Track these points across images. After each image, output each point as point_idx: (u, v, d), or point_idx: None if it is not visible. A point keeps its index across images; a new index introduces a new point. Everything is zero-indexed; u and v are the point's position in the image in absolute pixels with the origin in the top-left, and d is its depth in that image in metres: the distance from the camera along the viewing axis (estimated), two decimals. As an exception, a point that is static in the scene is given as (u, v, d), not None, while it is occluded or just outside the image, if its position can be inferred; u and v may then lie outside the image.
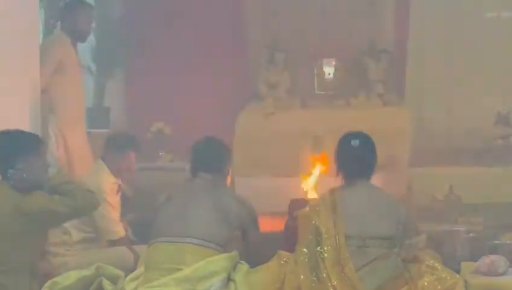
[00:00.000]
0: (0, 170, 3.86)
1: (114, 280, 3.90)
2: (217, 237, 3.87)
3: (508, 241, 4.91)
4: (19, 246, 3.81)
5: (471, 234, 5.17)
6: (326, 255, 3.73)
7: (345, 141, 3.96)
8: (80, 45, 5.83)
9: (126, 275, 3.99)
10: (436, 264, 3.81)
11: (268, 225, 5.35)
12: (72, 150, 5.36)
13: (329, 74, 7.06)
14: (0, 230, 3.78)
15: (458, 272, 4.10)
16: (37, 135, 4.07)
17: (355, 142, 3.91)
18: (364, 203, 3.86)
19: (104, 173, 4.86)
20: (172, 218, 3.92)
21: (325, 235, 3.76)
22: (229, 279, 3.84)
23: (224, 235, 3.91)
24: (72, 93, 5.43)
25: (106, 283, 3.85)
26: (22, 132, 3.93)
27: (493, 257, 4.29)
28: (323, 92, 7.05)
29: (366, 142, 3.96)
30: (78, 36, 5.55)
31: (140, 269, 3.98)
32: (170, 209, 3.97)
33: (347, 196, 3.88)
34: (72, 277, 3.83)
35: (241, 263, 3.93)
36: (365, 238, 3.77)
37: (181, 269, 3.76)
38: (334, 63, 7.05)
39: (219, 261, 3.81)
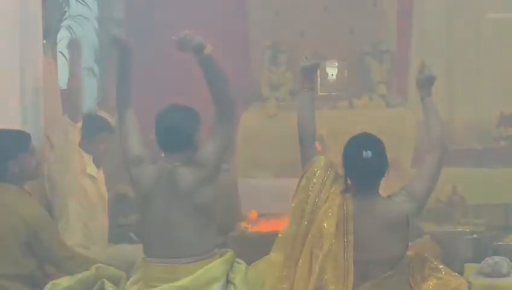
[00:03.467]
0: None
1: (115, 281, 3.88)
2: (203, 244, 3.77)
3: (511, 243, 4.91)
4: (24, 254, 3.85)
5: (474, 235, 5.16)
6: (331, 287, 3.48)
7: (355, 148, 3.62)
8: (83, 46, 5.79)
9: (128, 272, 3.98)
10: (440, 266, 3.77)
11: (271, 225, 5.34)
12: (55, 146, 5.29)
13: (332, 74, 7.05)
14: (9, 232, 3.82)
15: (461, 273, 4.08)
16: (26, 132, 4.10)
17: (367, 154, 3.55)
18: (372, 223, 3.57)
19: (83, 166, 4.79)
20: (156, 236, 3.77)
21: (333, 264, 3.50)
22: (227, 281, 3.78)
23: (209, 239, 3.80)
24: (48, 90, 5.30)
25: (108, 286, 3.82)
26: (12, 131, 4.03)
27: (496, 258, 4.29)
28: (326, 93, 7.04)
29: (378, 151, 3.61)
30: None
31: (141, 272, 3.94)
32: (150, 221, 3.79)
33: (357, 214, 3.57)
34: (72, 277, 3.83)
35: (238, 262, 3.87)
36: (368, 263, 3.55)
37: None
38: (336, 64, 7.04)
39: (218, 267, 3.76)
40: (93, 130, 4.86)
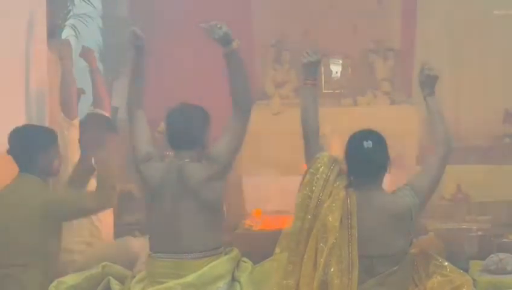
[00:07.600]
0: (22, 163, 4.04)
1: (121, 279, 3.89)
2: (210, 241, 3.78)
3: (516, 240, 4.91)
4: (41, 241, 3.92)
5: (479, 233, 5.17)
6: (336, 281, 3.48)
7: (356, 142, 3.66)
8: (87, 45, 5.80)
9: (133, 267, 3.99)
10: (445, 263, 3.76)
11: (276, 223, 5.35)
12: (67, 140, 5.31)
13: (336, 72, 7.06)
14: (26, 222, 3.88)
15: (466, 270, 4.08)
16: (53, 129, 4.27)
17: (368, 144, 3.58)
18: (376, 217, 3.58)
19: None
20: (163, 232, 3.78)
21: (338, 258, 3.51)
22: (233, 279, 3.79)
23: (215, 236, 3.81)
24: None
25: (114, 283, 3.83)
26: (40, 127, 4.25)
27: (501, 255, 4.29)
28: (330, 91, 7.05)
29: (379, 144, 3.64)
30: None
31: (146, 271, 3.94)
32: (158, 217, 3.81)
33: (360, 208, 3.58)
34: (78, 275, 3.85)
35: (244, 261, 3.88)
36: (373, 258, 3.56)
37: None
38: (341, 61, 7.05)
39: (223, 265, 3.76)
40: (94, 127, 4.87)
